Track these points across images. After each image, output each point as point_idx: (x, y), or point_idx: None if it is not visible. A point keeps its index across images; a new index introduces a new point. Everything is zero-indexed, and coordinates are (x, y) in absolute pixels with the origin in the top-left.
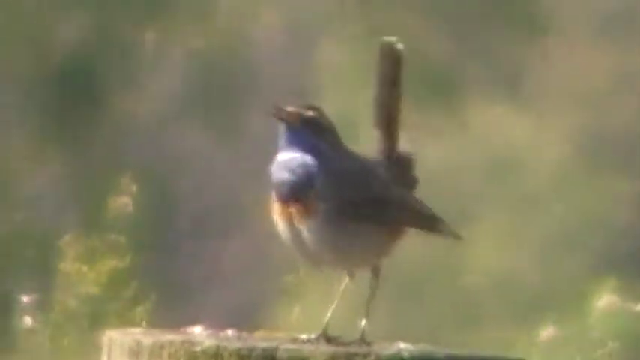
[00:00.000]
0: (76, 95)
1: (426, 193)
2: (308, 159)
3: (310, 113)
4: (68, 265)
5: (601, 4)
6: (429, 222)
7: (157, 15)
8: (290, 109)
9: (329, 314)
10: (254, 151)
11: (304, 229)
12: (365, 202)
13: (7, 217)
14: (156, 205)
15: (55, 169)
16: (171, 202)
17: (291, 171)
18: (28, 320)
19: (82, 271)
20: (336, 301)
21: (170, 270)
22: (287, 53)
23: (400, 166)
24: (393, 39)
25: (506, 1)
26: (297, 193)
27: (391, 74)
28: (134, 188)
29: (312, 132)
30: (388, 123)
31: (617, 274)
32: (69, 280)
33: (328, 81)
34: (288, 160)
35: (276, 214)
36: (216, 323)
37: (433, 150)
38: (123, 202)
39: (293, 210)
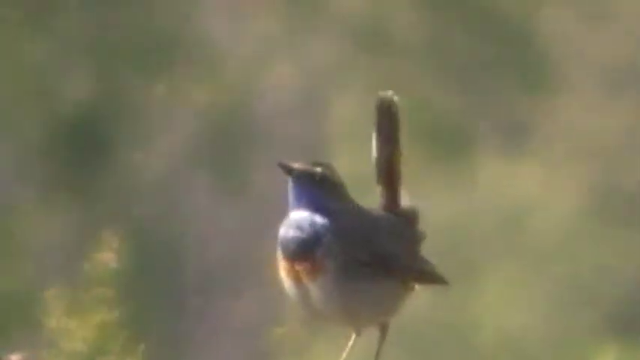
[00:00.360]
0: (83, 150)
1: (436, 247)
2: (317, 218)
3: (319, 170)
4: (54, 320)
5: (612, 58)
6: (429, 277)
7: (166, 69)
8: (298, 165)
9: None
10: (262, 209)
11: (312, 288)
12: (372, 259)
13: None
14: (153, 261)
15: (61, 223)
16: (175, 259)
17: (300, 229)
18: None
19: (68, 327)
20: (344, 356)
21: (167, 325)
22: (297, 108)
23: (405, 221)
24: (388, 93)
25: (516, 53)
26: (305, 251)
27: (389, 129)
28: (115, 244)
29: (320, 189)
30: (390, 178)
31: (624, 334)
32: (56, 336)
33: (340, 136)
34: (297, 219)
35: (284, 272)
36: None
37: (442, 203)
38: (107, 257)
39: (300, 268)
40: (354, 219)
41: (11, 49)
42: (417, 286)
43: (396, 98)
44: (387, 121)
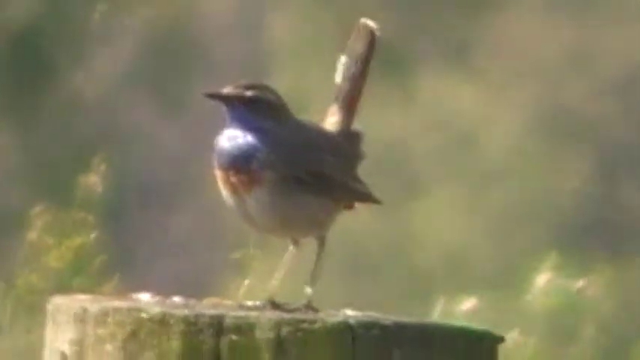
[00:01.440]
0: (25, 69)
1: (377, 167)
2: (250, 136)
3: (249, 93)
4: (35, 236)
5: None
6: (361, 197)
7: None
8: (228, 90)
9: (275, 282)
10: (202, 124)
11: (248, 198)
12: (307, 175)
13: None
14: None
15: (6, 141)
16: (121, 177)
17: (234, 142)
18: None
19: (49, 245)
20: (282, 269)
21: (124, 243)
22: (237, 25)
23: (349, 141)
24: (373, 23)
25: None
26: (239, 163)
27: (364, 55)
28: (103, 167)
29: (253, 112)
30: (351, 99)
31: (562, 250)
32: (35, 253)
33: (279, 53)
34: (231, 135)
35: (220, 182)
36: (164, 292)
37: (383, 123)
38: (93, 180)
39: (235, 180)
40: (291, 135)
41: None
42: (356, 205)
43: (379, 32)
44: (365, 46)
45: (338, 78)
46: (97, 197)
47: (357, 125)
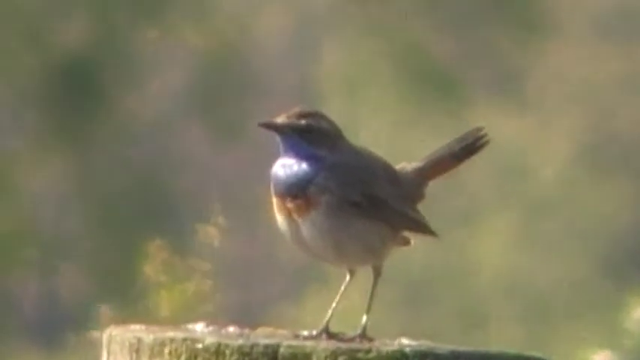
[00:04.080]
0: (77, 94)
1: (431, 196)
2: (305, 164)
3: (303, 122)
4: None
5: (603, 5)
6: (417, 226)
7: (158, 14)
8: (281, 120)
9: (330, 311)
10: (255, 152)
11: (302, 224)
12: (363, 199)
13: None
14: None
15: (58, 167)
16: (171, 201)
17: (290, 170)
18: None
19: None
20: (337, 298)
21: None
22: (289, 52)
23: (413, 181)
24: (483, 128)
25: (509, 2)
26: (294, 190)
27: (468, 151)
28: (221, 220)
29: (307, 141)
30: (435, 167)
31: (613, 279)
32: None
33: (333, 79)
34: (286, 164)
35: (276, 208)
36: (219, 321)
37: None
38: (212, 232)
39: (291, 206)
40: (346, 160)
41: None
42: (412, 241)
43: (487, 138)
44: (470, 146)
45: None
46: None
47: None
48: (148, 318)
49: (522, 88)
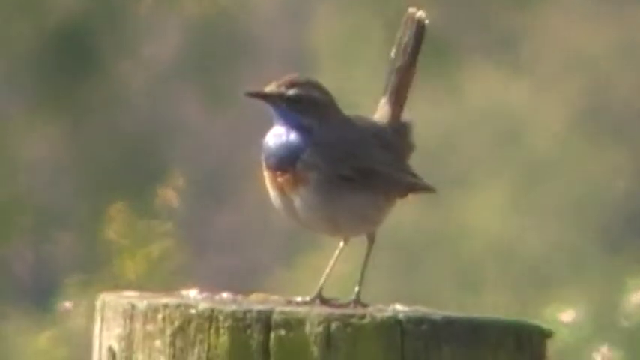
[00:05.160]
0: (71, 61)
1: (424, 159)
2: (293, 135)
3: (291, 92)
4: (112, 234)
5: None
6: (414, 188)
7: None
8: (269, 89)
9: (324, 277)
10: (250, 118)
11: (295, 198)
12: (355, 171)
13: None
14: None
15: (53, 134)
16: (166, 169)
17: (279, 141)
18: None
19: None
20: (330, 264)
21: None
22: (283, 17)
23: (399, 133)
24: (420, 12)
25: None
26: (284, 165)
27: (413, 45)
28: (180, 183)
29: (296, 110)
30: (399, 91)
31: (606, 247)
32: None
33: (326, 47)
34: (277, 134)
35: (267, 181)
36: (212, 287)
37: (430, 115)
38: (170, 195)
39: (282, 180)
40: (336, 133)
41: None
42: (410, 195)
43: (427, 21)
44: (413, 36)
45: (387, 70)
46: (173, 207)
47: (406, 116)
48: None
49: (517, 52)
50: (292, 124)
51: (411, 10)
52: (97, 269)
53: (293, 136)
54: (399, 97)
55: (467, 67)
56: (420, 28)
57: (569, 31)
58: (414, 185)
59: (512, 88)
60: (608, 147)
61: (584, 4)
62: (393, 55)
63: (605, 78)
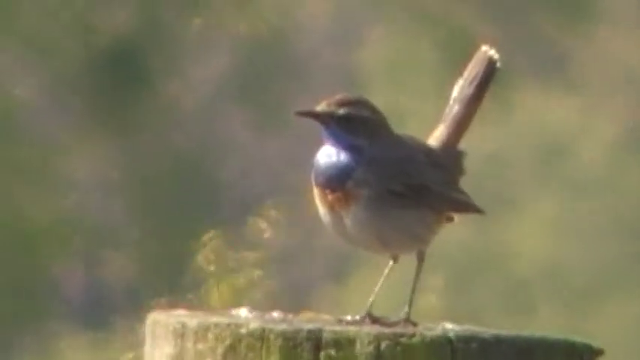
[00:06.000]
0: (122, 81)
1: (473, 179)
2: (344, 155)
3: (342, 111)
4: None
5: None
6: (463, 206)
7: (201, 1)
8: (320, 108)
9: (373, 296)
10: (300, 138)
11: (345, 215)
12: (405, 189)
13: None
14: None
15: (103, 153)
16: (216, 187)
17: (329, 160)
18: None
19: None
20: (380, 282)
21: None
22: (334, 37)
23: (451, 156)
24: (493, 51)
25: None
26: (334, 183)
27: (481, 80)
28: (275, 216)
29: (347, 130)
30: (461, 121)
31: None
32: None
33: (377, 65)
34: (327, 154)
35: (317, 198)
36: (262, 306)
37: (479, 135)
38: (264, 227)
39: (332, 197)
40: (387, 151)
41: None
42: (455, 217)
43: (497, 56)
44: (484, 70)
45: (451, 99)
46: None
47: (461, 145)
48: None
49: (567, 71)
50: (343, 143)
51: (485, 47)
52: (184, 294)
53: (343, 156)
54: (459, 127)
55: (516, 87)
56: (492, 65)
57: (618, 50)
58: (465, 204)
59: (561, 107)
60: None
61: (633, 23)
62: (458, 86)
63: None
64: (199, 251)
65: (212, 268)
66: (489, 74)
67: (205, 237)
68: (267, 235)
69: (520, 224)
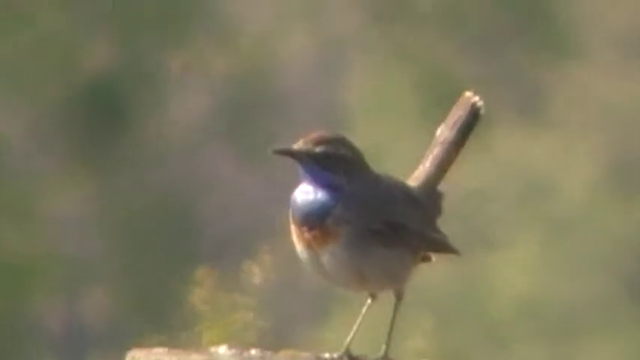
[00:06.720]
0: (102, 117)
1: (453, 218)
2: (321, 193)
3: (318, 149)
4: (203, 301)
5: (626, 27)
6: (439, 246)
7: (183, 37)
8: (297, 146)
9: (351, 334)
10: (280, 175)
11: (323, 253)
12: (383, 227)
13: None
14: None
15: (84, 190)
16: (197, 224)
17: (306, 198)
18: None
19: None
20: (358, 320)
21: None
22: (314, 75)
23: (430, 197)
24: (477, 98)
25: (531, 25)
26: (311, 221)
27: (464, 125)
28: (267, 260)
29: (324, 168)
30: (442, 164)
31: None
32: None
33: (357, 103)
34: (305, 191)
35: (295, 236)
36: (241, 343)
37: (458, 173)
38: (255, 270)
39: (309, 235)
40: (365, 189)
41: (33, 17)
42: (433, 257)
43: (481, 103)
44: (467, 116)
45: (433, 141)
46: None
47: (441, 187)
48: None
49: (546, 109)
50: (320, 181)
51: (469, 93)
52: (177, 333)
53: (321, 194)
54: (439, 170)
55: (495, 123)
56: (474, 112)
57: (597, 87)
58: (442, 244)
59: (541, 145)
60: (636, 200)
61: (611, 60)
62: (441, 129)
63: (633, 132)
64: (191, 289)
65: (205, 307)
66: (472, 120)
67: (198, 274)
68: (258, 280)
69: (501, 262)
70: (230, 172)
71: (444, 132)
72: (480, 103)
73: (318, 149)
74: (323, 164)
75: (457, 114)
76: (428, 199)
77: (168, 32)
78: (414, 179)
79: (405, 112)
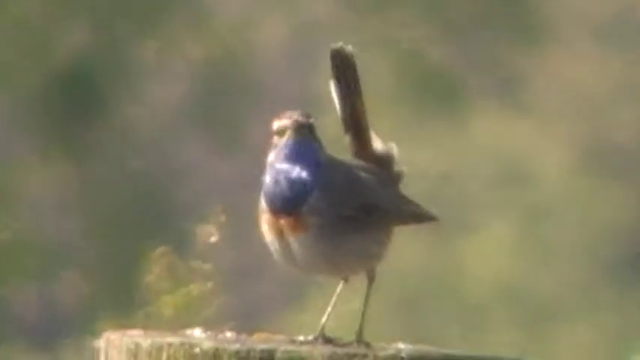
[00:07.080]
0: (77, 103)
1: (429, 201)
2: (305, 173)
3: (312, 120)
4: (154, 280)
5: (603, 14)
6: (417, 218)
7: (158, 24)
8: (297, 117)
9: (325, 316)
10: (255, 161)
11: (295, 243)
12: (356, 212)
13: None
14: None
15: (58, 173)
16: (171, 210)
17: (288, 184)
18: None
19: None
20: (332, 302)
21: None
22: (289, 62)
23: (381, 165)
24: (340, 44)
25: (509, 9)
26: (290, 207)
27: (347, 79)
28: (222, 219)
29: (316, 141)
30: (357, 128)
31: (616, 284)
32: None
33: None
34: (286, 171)
35: (266, 224)
36: (215, 326)
37: (435, 157)
38: (210, 231)
39: (283, 223)
40: (339, 173)
41: (6, 2)
42: (412, 227)
43: (350, 49)
44: (343, 70)
45: (337, 108)
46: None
47: (383, 146)
48: (150, 324)
49: (522, 94)
50: (309, 157)
51: (333, 46)
52: (132, 310)
53: (302, 174)
54: (360, 132)
55: (471, 108)
56: (349, 61)
57: (574, 72)
58: (417, 215)
59: (516, 128)
60: (613, 186)
61: (589, 45)
62: (335, 95)
63: (610, 117)
64: (149, 268)
65: (163, 284)
66: (351, 67)
67: (154, 253)
68: (214, 239)
69: (475, 246)
70: (204, 157)
71: (344, 99)
72: (339, 45)
73: (312, 120)
74: (315, 138)
75: (339, 73)
76: (384, 170)
77: (144, 18)
78: (353, 152)
79: (381, 98)
